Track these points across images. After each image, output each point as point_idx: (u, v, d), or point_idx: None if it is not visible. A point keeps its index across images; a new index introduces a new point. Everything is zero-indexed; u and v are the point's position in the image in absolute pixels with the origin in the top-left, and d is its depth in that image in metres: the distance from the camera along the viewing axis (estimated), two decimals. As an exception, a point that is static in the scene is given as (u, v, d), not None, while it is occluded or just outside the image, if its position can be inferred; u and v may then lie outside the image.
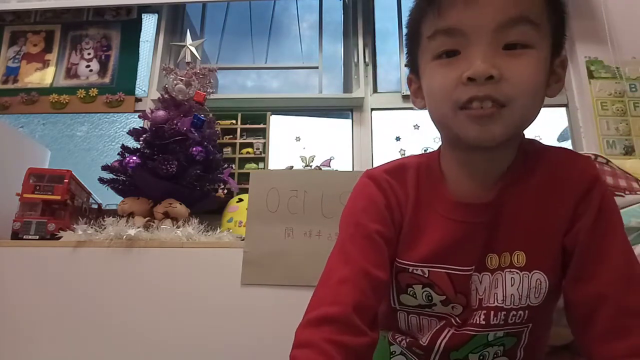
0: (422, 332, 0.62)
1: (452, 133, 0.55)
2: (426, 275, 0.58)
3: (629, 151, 1.75)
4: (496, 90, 0.49)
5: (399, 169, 0.63)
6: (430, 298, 0.59)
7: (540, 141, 0.62)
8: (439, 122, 0.57)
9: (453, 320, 0.59)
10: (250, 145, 2.02)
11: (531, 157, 0.59)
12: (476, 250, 0.57)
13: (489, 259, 0.57)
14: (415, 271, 0.59)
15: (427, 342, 0.60)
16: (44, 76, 2.15)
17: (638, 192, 0.80)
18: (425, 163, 0.63)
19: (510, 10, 0.49)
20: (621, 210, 0.77)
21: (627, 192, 0.79)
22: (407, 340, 0.63)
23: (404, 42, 0.61)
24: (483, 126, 0.50)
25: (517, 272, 0.56)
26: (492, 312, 0.57)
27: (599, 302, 0.51)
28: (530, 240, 0.56)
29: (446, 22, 0.51)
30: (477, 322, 0.57)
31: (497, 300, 0.57)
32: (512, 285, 0.56)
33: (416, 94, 0.61)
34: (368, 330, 0.51)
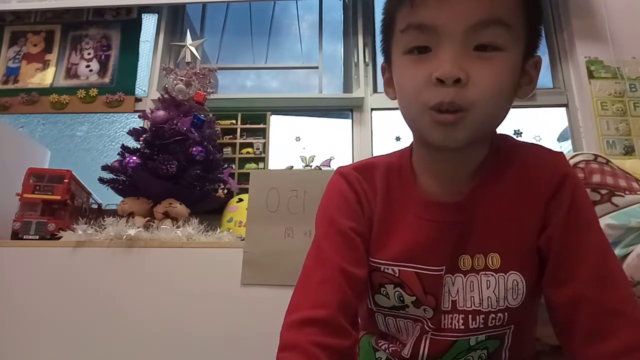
0: (400, 334, 0.62)
1: (420, 132, 0.55)
2: (397, 275, 0.58)
3: (629, 151, 1.75)
4: (460, 96, 0.48)
5: (367, 167, 0.64)
6: (402, 299, 0.59)
7: (514, 137, 0.61)
8: (409, 120, 0.57)
9: (425, 325, 0.58)
10: (250, 145, 2.02)
11: (504, 155, 0.58)
12: (447, 250, 0.56)
13: (462, 261, 0.57)
14: (386, 270, 0.58)
15: (409, 353, 0.59)
16: (44, 76, 2.15)
17: (638, 192, 0.79)
18: (396, 162, 0.63)
19: (483, 11, 0.48)
20: (621, 210, 0.77)
21: (627, 192, 0.79)
22: (391, 348, 0.63)
23: (380, 31, 0.60)
24: (446, 131, 0.50)
25: (492, 275, 0.55)
26: (470, 316, 0.56)
27: (578, 304, 0.51)
28: (504, 242, 0.56)
29: (419, 17, 0.50)
30: (456, 326, 0.57)
31: (474, 303, 0.56)
32: (488, 288, 0.55)
33: (388, 84, 0.61)
34: (351, 329, 0.52)
